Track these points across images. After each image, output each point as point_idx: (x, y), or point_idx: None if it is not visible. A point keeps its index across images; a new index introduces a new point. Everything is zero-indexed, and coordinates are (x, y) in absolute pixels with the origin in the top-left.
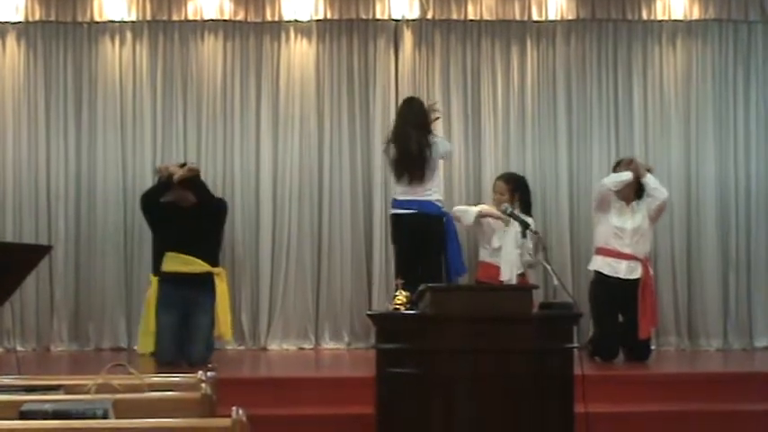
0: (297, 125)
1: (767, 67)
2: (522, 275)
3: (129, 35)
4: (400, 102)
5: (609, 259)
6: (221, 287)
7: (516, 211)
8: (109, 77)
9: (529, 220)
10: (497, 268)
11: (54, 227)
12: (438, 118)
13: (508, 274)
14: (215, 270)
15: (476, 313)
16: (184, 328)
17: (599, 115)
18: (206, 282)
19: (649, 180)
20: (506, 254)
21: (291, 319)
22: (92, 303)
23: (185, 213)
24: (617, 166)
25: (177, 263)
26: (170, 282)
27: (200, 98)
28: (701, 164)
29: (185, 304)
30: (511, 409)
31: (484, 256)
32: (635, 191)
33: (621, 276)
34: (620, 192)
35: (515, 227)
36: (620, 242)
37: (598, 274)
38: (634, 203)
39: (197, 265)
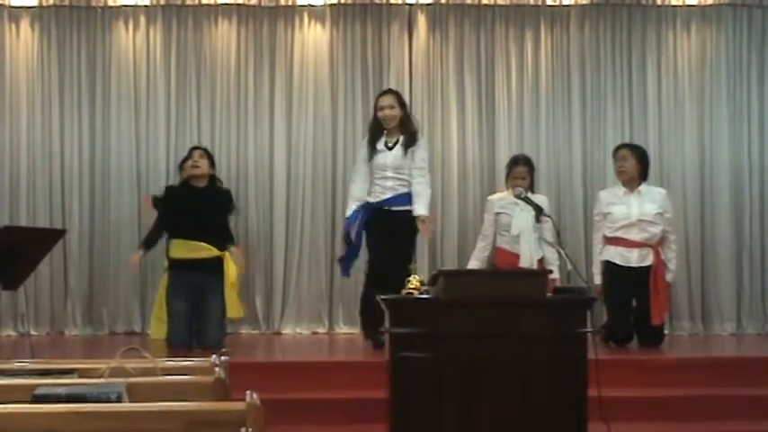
0: (311, 110)
1: None
2: (541, 260)
3: (142, 19)
4: (414, 86)
5: (620, 249)
6: (229, 269)
7: (529, 195)
8: (123, 62)
9: (542, 198)
10: (517, 255)
11: (68, 211)
12: None
13: (528, 261)
14: (223, 254)
15: (489, 298)
16: (196, 314)
17: (613, 101)
18: (215, 266)
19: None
20: (525, 240)
21: (305, 303)
22: (106, 287)
23: (193, 199)
24: (617, 151)
25: (185, 249)
26: (179, 268)
27: (214, 83)
28: (715, 149)
29: (196, 290)
30: (524, 392)
31: (501, 242)
32: (639, 174)
33: (633, 265)
34: (623, 179)
35: (530, 212)
36: (628, 232)
37: (610, 263)
38: (642, 188)
39: (205, 251)
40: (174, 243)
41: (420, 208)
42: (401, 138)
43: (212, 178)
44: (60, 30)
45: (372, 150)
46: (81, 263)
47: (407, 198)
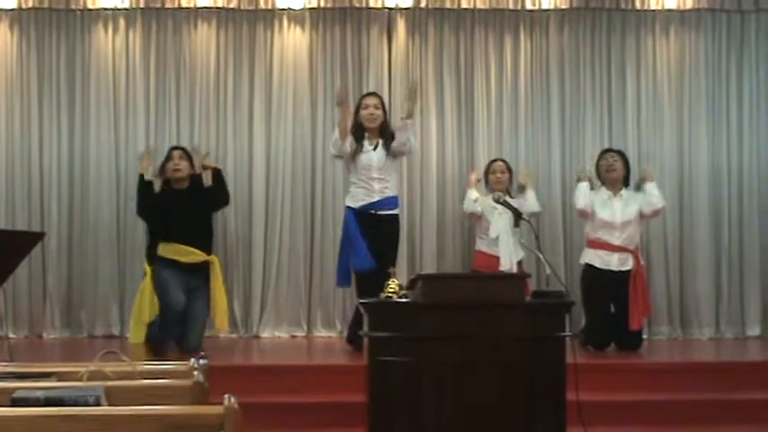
0: (290, 113)
1: (760, 56)
2: (520, 263)
3: (122, 23)
4: (393, 90)
5: (600, 252)
6: (216, 276)
7: (507, 198)
8: (102, 65)
9: (515, 201)
10: (496, 258)
11: (47, 214)
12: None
13: (508, 264)
14: (210, 258)
15: (468, 301)
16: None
17: (592, 105)
18: (202, 270)
19: (650, 188)
20: (504, 243)
21: (284, 306)
22: (84, 290)
23: (180, 201)
24: (605, 153)
25: (174, 252)
26: (168, 264)
27: (194, 86)
28: (694, 153)
29: (185, 284)
30: (502, 396)
31: (480, 245)
32: (623, 179)
33: (613, 269)
34: (606, 182)
35: (509, 214)
36: (610, 234)
37: (589, 266)
38: (623, 193)
39: (194, 256)
40: (163, 245)
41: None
42: (380, 141)
43: (193, 178)
44: (39, 32)
45: (359, 148)
46: (60, 266)
47: (394, 201)
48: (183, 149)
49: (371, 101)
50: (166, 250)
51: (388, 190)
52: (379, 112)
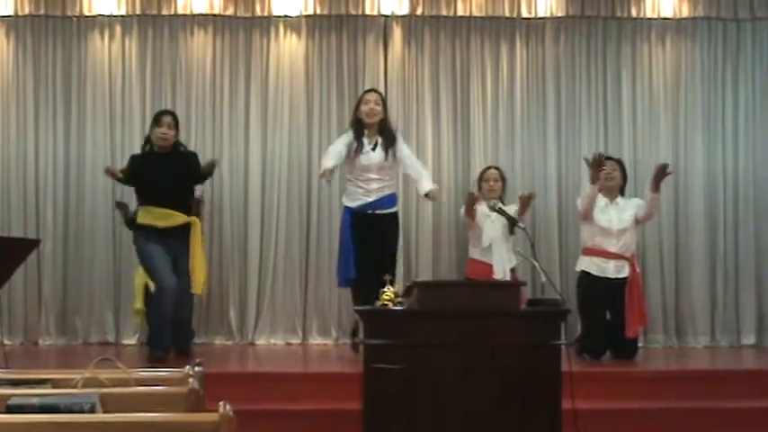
0: (286, 120)
1: (756, 65)
2: (513, 271)
3: (118, 29)
4: (389, 98)
5: (596, 259)
6: (196, 238)
7: (501, 206)
8: (98, 72)
9: (510, 209)
10: (489, 266)
11: (42, 221)
12: None
13: (501, 272)
14: (192, 219)
15: (463, 309)
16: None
17: (588, 113)
18: (183, 235)
19: (654, 200)
20: (497, 251)
21: (279, 313)
22: (80, 297)
23: (161, 164)
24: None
25: (152, 218)
26: (151, 237)
27: (190, 93)
28: (690, 161)
29: (169, 253)
30: (498, 404)
31: (474, 253)
32: (619, 187)
33: (610, 276)
34: (603, 189)
35: (503, 222)
36: (606, 242)
37: (586, 273)
38: (619, 200)
39: (174, 218)
40: (142, 211)
41: (427, 184)
42: (379, 139)
43: (176, 144)
44: (36, 39)
45: (358, 147)
46: (55, 272)
47: (392, 199)
48: (172, 115)
49: (372, 96)
50: (145, 216)
51: (386, 189)
52: (379, 108)
